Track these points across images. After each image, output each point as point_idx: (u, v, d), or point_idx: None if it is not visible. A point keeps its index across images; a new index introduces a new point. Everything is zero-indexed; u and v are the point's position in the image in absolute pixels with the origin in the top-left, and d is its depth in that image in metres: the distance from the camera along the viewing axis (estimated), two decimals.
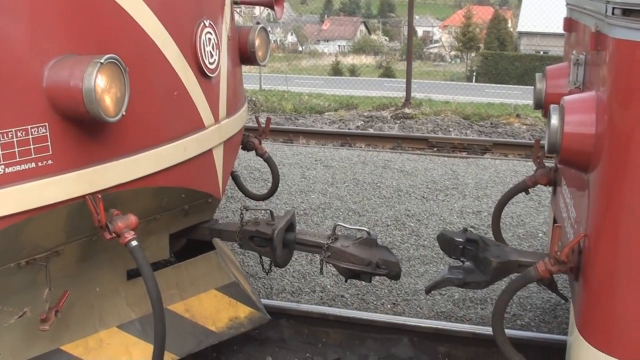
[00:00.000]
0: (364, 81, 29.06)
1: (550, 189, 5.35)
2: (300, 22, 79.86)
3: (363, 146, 12.99)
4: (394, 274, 4.65)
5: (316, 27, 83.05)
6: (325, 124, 15.30)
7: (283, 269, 6.66)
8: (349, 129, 14.61)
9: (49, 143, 3.34)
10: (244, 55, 5.35)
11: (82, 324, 4.20)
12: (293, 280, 6.63)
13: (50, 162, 3.36)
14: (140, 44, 3.81)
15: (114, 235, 3.64)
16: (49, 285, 3.75)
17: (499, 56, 51.59)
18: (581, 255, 3.41)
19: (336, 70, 47.21)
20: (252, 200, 6.58)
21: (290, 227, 4.97)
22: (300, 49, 70.97)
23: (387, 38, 74.02)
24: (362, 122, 15.15)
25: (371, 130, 14.33)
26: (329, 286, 6.49)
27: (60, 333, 4.05)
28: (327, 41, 77.57)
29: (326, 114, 16.62)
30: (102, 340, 4.28)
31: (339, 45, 72.29)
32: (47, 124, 3.31)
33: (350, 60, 52.81)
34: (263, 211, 5.63)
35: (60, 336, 4.07)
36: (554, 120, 3.41)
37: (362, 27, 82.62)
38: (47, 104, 3.29)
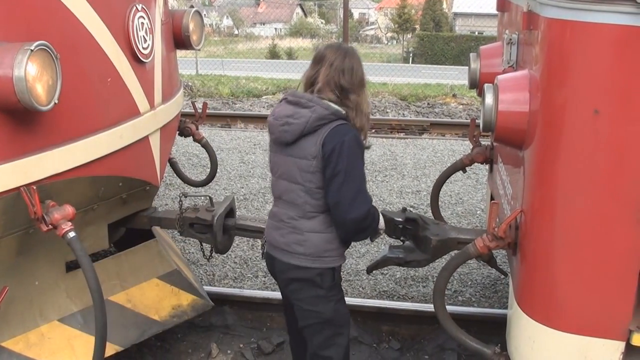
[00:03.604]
0: (302, 64, 28.89)
1: (487, 167, 5.43)
2: (236, 5, 78.98)
3: None
4: None
5: (252, 9, 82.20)
6: (264, 107, 15.22)
7: (225, 255, 6.63)
8: None
9: None
10: (178, 39, 5.29)
11: (22, 319, 4.10)
12: (235, 266, 6.61)
13: None
14: (72, 30, 3.72)
15: (50, 227, 3.56)
16: None
17: (434, 37, 51.95)
18: (518, 231, 3.48)
19: (273, 54, 46.84)
20: (191, 187, 6.52)
21: (230, 212, 4.95)
22: (236, 32, 70.21)
23: (323, 21, 73.86)
24: None
25: None
26: None
27: (0, 330, 3.95)
28: (264, 24, 76.92)
29: (264, 97, 16.54)
30: (43, 335, 4.19)
31: (275, 28, 71.82)
32: None
33: (287, 43, 52.46)
34: (202, 197, 5.55)
35: (0, 333, 3.97)
36: (488, 99, 3.44)
37: (299, 10, 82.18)
38: None
